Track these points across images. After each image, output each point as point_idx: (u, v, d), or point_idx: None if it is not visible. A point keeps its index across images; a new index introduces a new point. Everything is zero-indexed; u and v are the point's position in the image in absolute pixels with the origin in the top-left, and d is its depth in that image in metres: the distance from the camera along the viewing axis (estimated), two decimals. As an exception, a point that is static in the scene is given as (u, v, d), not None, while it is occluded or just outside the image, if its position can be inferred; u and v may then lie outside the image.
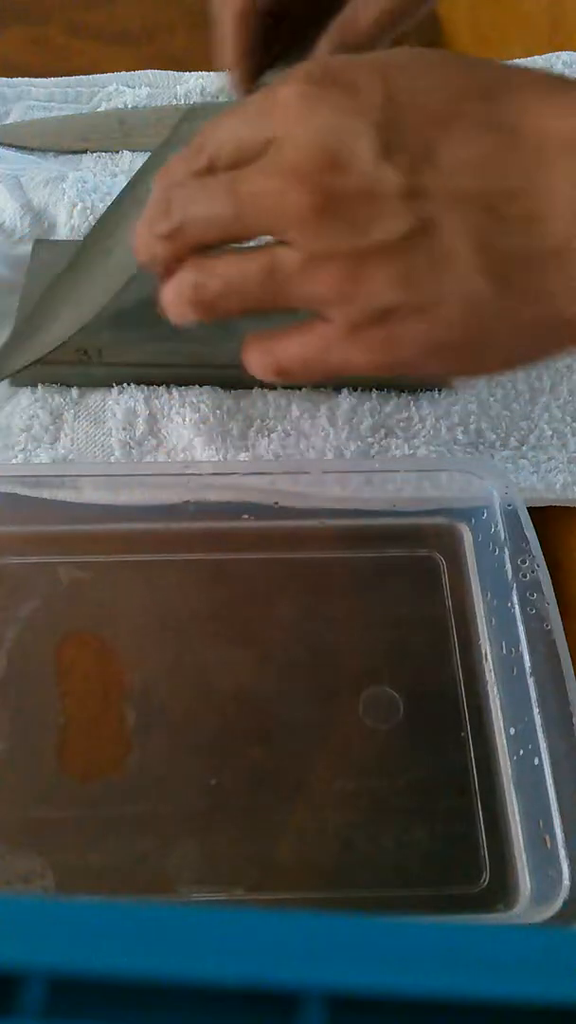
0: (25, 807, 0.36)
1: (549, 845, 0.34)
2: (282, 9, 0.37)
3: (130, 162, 0.55)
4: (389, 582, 0.43)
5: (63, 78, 0.60)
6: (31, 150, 0.57)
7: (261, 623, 0.41)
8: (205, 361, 0.45)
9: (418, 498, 0.44)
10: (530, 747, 0.36)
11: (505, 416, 0.46)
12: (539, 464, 0.45)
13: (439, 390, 0.47)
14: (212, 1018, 0.16)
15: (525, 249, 0.28)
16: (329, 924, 0.17)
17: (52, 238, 0.51)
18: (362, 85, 0.29)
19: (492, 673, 0.40)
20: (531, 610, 0.39)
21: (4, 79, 0.59)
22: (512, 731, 0.38)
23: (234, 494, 0.43)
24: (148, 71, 0.60)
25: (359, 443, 0.45)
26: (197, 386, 0.46)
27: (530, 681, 0.37)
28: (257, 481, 0.43)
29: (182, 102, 0.58)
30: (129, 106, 0.58)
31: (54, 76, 0.60)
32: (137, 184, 0.42)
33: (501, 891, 0.35)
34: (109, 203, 0.43)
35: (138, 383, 0.46)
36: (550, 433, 0.46)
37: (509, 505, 0.41)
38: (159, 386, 0.46)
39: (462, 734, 0.38)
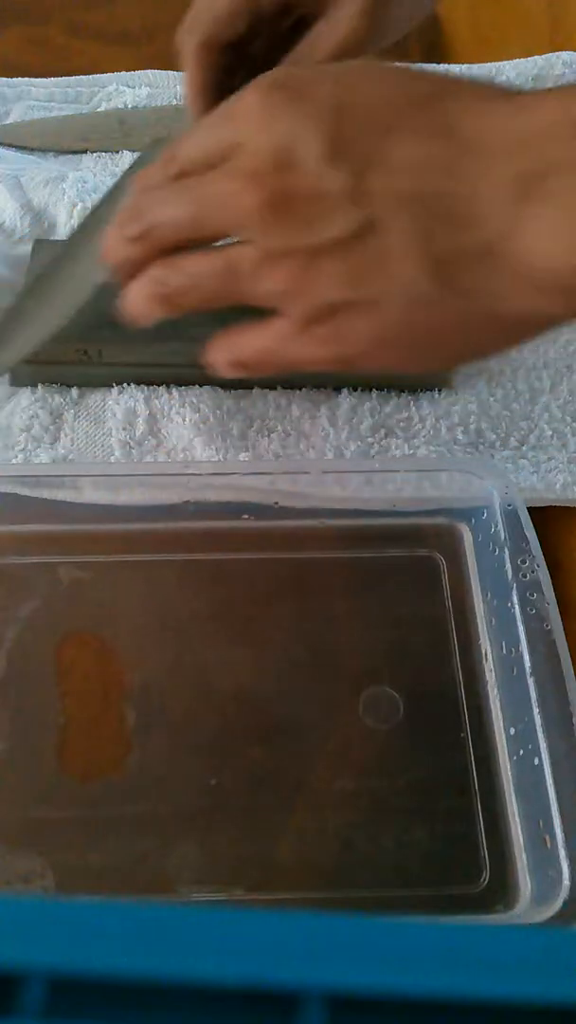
0: (25, 807, 0.36)
1: (549, 845, 0.34)
2: (244, 42, 0.39)
3: (130, 162, 0.55)
4: (389, 582, 0.43)
5: (63, 78, 0.60)
6: (31, 150, 0.57)
7: (261, 623, 0.41)
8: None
9: (418, 498, 0.44)
10: (530, 747, 0.36)
11: (505, 416, 0.46)
12: (539, 464, 0.45)
13: (439, 390, 0.47)
14: (212, 1018, 0.16)
15: (463, 247, 0.29)
16: (329, 924, 0.17)
17: (52, 238, 0.51)
18: (315, 94, 0.31)
19: (492, 673, 0.40)
20: (531, 610, 0.39)
21: (4, 79, 0.59)
22: (512, 731, 0.38)
23: (234, 494, 0.43)
24: (148, 71, 0.60)
25: (359, 443, 0.45)
26: (197, 386, 0.46)
27: (530, 681, 0.37)
28: (257, 481, 0.43)
29: (182, 102, 0.58)
30: (129, 106, 0.58)
31: (54, 76, 0.60)
32: (115, 193, 0.43)
33: (501, 891, 0.35)
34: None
35: (138, 383, 0.46)
36: (550, 433, 0.46)
37: (509, 505, 0.41)
38: (159, 386, 0.46)
39: (462, 734, 0.38)
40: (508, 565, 0.40)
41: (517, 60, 0.61)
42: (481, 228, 0.29)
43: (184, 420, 0.45)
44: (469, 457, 0.45)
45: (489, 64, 0.60)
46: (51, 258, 0.45)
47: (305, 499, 0.43)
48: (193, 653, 0.40)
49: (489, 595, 0.41)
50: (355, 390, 0.46)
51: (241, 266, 0.32)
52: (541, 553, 0.40)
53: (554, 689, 0.37)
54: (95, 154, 0.56)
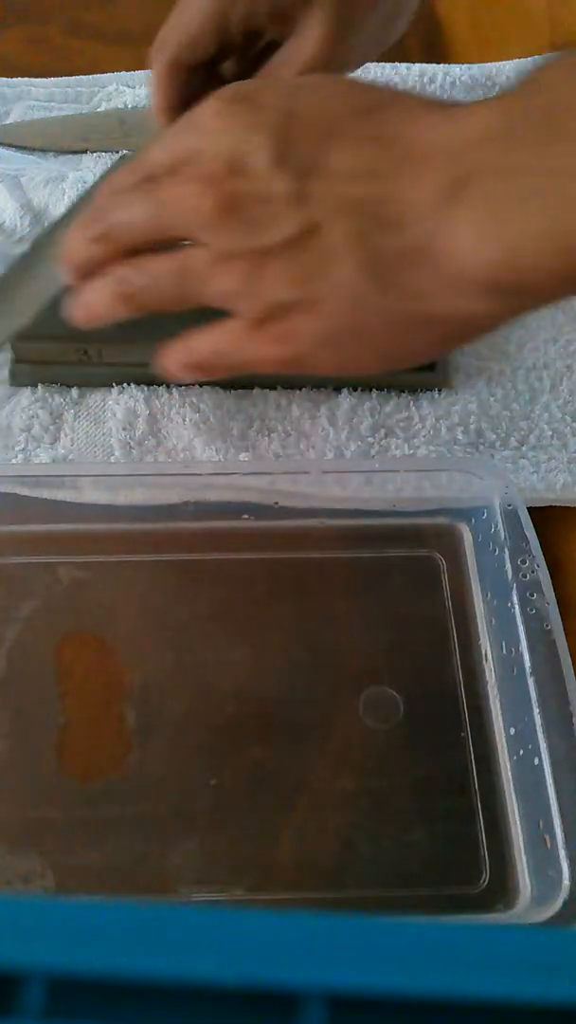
0: (25, 807, 0.36)
1: (549, 845, 0.34)
2: (214, 62, 0.40)
3: (130, 162, 0.55)
4: (389, 582, 0.43)
5: (63, 78, 0.60)
6: (31, 150, 0.57)
7: (261, 623, 0.41)
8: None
9: (418, 498, 0.44)
10: (530, 747, 0.36)
11: (505, 416, 0.46)
12: (539, 464, 0.45)
13: (439, 390, 0.47)
14: (212, 1018, 0.16)
15: (396, 248, 0.31)
16: (329, 924, 0.17)
17: (52, 238, 0.51)
18: (266, 104, 0.33)
19: (492, 673, 0.40)
20: (531, 610, 0.39)
21: (4, 79, 0.59)
22: (512, 731, 0.38)
23: (234, 494, 0.43)
24: (148, 71, 0.59)
25: (359, 443, 0.45)
26: (197, 386, 0.46)
27: (530, 681, 0.37)
28: (257, 481, 0.43)
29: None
30: (129, 106, 0.58)
31: (54, 76, 0.60)
32: (80, 202, 0.44)
33: (501, 891, 0.35)
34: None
35: (138, 383, 0.46)
36: (550, 433, 0.46)
37: (509, 505, 0.41)
38: (159, 386, 0.46)
39: (462, 734, 0.38)
40: (508, 565, 0.40)
41: (517, 60, 0.60)
42: (412, 230, 0.30)
43: (184, 420, 0.45)
44: (469, 457, 0.45)
45: (489, 64, 0.60)
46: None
47: (305, 499, 0.43)
48: (193, 653, 0.40)
49: (489, 595, 0.41)
50: (355, 390, 0.46)
51: (195, 267, 0.33)
52: (541, 553, 0.40)
53: (554, 689, 0.37)
54: (95, 154, 0.56)
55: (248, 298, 0.33)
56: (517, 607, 0.39)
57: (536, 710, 0.37)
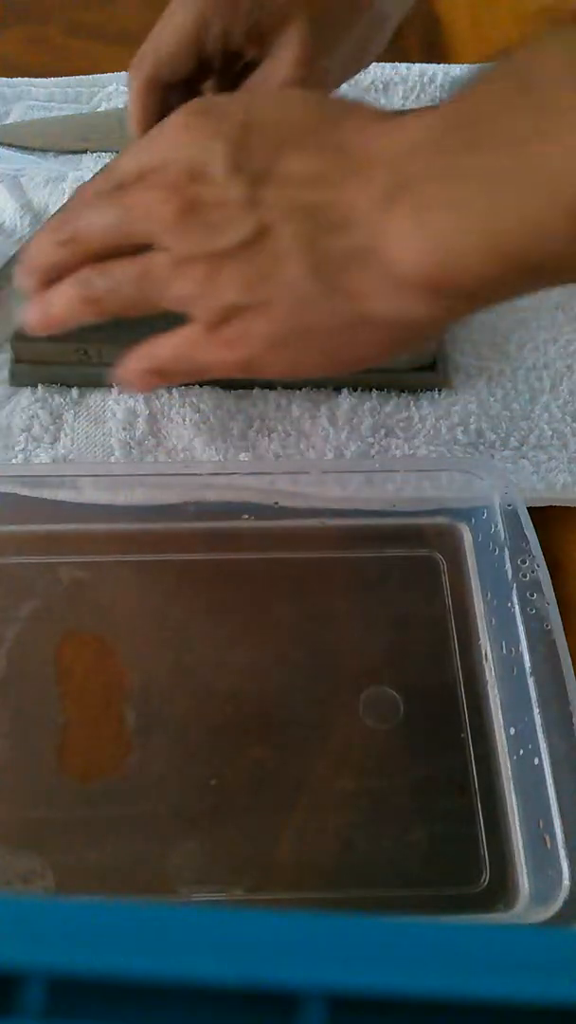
0: (25, 807, 0.36)
1: (549, 845, 0.34)
2: (194, 80, 0.41)
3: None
4: (389, 582, 0.43)
5: (63, 78, 0.60)
6: (31, 150, 0.57)
7: (261, 623, 0.41)
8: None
9: (418, 498, 0.44)
10: (530, 747, 0.36)
11: (505, 416, 0.46)
12: (539, 464, 0.45)
13: (439, 390, 0.47)
14: (212, 1018, 0.16)
15: (341, 250, 0.32)
16: (329, 924, 0.17)
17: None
18: (228, 115, 0.34)
19: (492, 673, 0.40)
20: (531, 610, 0.39)
21: (4, 79, 0.59)
22: (512, 731, 0.38)
23: (234, 494, 0.43)
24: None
25: (359, 443, 0.45)
26: (197, 386, 0.46)
27: (530, 681, 0.37)
28: (257, 481, 0.43)
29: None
30: (129, 106, 0.58)
31: (54, 76, 0.60)
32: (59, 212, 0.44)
33: (501, 891, 0.35)
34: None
35: (138, 383, 0.46)
36: (550, 433, 0.46)
37: (509, 505, 0.41)
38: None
39: (462, 734, 0.38)
40: (508, 565, 0.40)
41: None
42: (355, 233, 0.32)
43: (184, 420, 0.45)
44: (469, 457, 0.45)
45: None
46: None
47: (305, 499, 0.43)
48: (193, 653, 0.40)
49: (489, 595, 0.41)
50: (355, 390, 0.46)
51: (156, 271, 0.34)
52: (541, 553, 0.40)
53: (554, 689, 0.37)
54: (95, 154, 0.56)
55: (204, 300, 0.34)
56: (517, 607, 0.39)
57: (536, 710, 0.37)
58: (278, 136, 0.33)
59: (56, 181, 0.52)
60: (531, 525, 0.41)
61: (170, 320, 0.36)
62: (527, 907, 0.34)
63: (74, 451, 0.45)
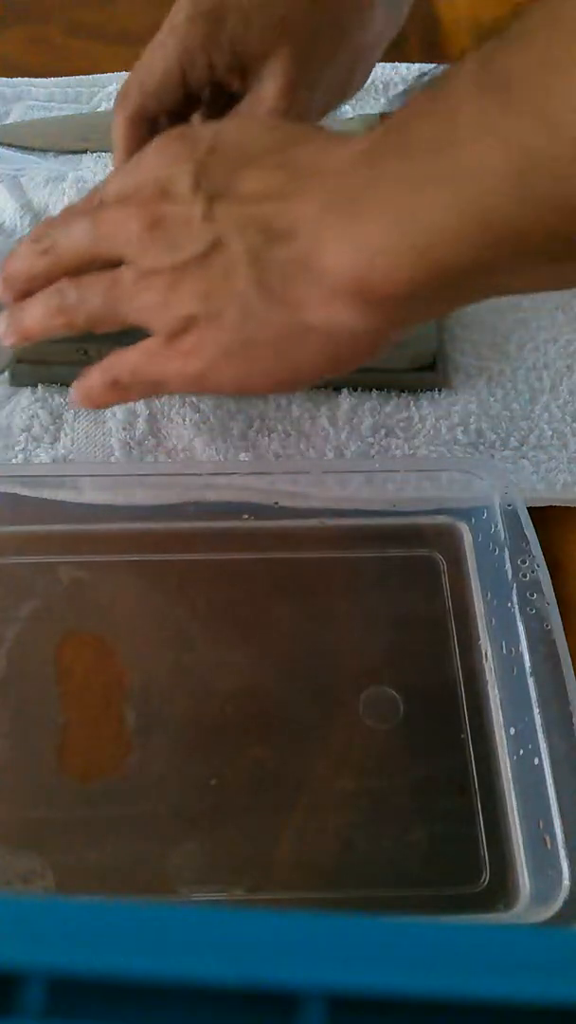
0: (25, 807, 0.36)
1: (549, 845, 0.34)
2: (182, 111, 0.43)
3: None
4: (389, 582, 0.43)
5: (63, 78, 0.60)
6: (31, 150, 0.57)
7: (261, 623, 0.41)
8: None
9: (418, 498, 0.44)
10: (530, 747, 0.36)
11: (505, 416, 0.46)
12: (539, 464, 0.45)
13: (439, 390, 0.47)
14: (212, 1018, 0.16)
15: (282, 260, 0.33)
16: (329, 924, 0.17)
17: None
18: (199, 140, 0.36)
19: (492, 673, 0.40)
20: (531, 610, 0.39)
21: (4, 79, 0.59)
22: (512, 731, 0.38)
23: (234, 494, 0.43)
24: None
25: (359, 443, 0.45)
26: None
27: (530, 681, 0.37)
28: (257, 481, 0.43)
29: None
30: (129, 106, 0.58)
31: (54, 76, 0.60)
32: None
33: (501, 891, 0.35)
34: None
35: (138, 383, 0.46)
36: (550, 433, 0.46)
37: (509, 505, 0.41)
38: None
39: (462, 734, 0.38)
40: (508, 565, 0.40)
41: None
42: (296, 243, 0.33)
43: (184, 420, 0.45)
44: (469, 457, 0.45)
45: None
46: None
47: (305, 499, 0.43)
48: (193, 653, 0.40)
49: (489, 595, 0.41)
50: (355, 390, 0.46)
51: (122, 285, 0.36)
52: (541, 553, 0.40)
53: (554, 689, 0.37)
54: (95, 154, 0.56)
55: (165, 311, 0.35)
56: (517, 607, 0.39)
57: (536, 710, 0.37)
58: (240, 157, 0.35)
59: (56, 181, 0.53)
60: (531, 525, 0.41)
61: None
62: (527, 907, 0.34)
63: (74, 451, 0.45)
